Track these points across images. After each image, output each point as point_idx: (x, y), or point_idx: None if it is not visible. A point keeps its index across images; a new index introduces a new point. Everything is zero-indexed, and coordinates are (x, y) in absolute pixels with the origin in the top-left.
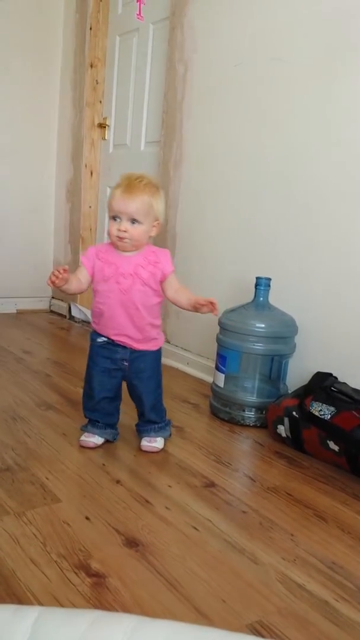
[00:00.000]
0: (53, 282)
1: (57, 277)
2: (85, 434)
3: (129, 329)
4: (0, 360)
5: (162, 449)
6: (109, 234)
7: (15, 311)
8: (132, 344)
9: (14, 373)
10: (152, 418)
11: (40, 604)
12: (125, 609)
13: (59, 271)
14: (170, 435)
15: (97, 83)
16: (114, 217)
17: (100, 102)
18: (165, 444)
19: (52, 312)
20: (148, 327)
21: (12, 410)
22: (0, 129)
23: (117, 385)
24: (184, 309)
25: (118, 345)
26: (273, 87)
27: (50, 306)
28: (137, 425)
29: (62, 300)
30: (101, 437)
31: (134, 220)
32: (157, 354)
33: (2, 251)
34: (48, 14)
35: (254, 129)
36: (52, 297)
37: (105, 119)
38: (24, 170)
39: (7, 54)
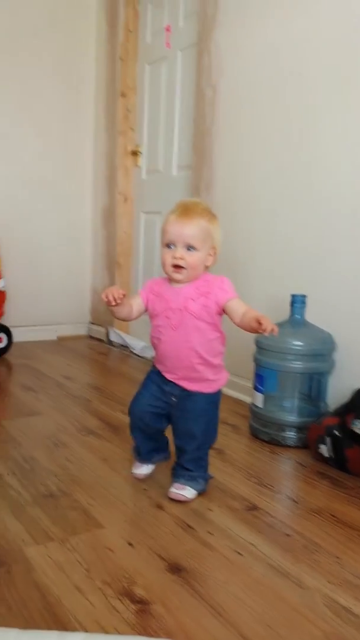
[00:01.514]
0: (108, 302)
1: (114, 299)
2: (136, 463)
3: (180, 368)
4: (42, 386)
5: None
6: (162, 264)
7: (55, 338)
8: (183, 383)
9: (55, 398)
10: (188, 466)
11: (86, 631)
12: (170, 635)
13: (118, 296)
14: (204, 490)
15: (128, 111)
16: (167, 245)
17: (132, 129)
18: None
19: (91, 337)
20: (202, 367)
21: (54, 436)
22: (37, 159)
23: (159, 416)
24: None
25: (170, 380)
26: (295, 102)
27: (89, 331)
28: (173, 466)
29: (100, 326)
30: (150, 463)
31: (189, 247)
32: (212, 397)
33: (42, 279)
34: (80, 45)
35: (281, 146)
36: (91, 323)
37: (137, 146)
38: (61, 199)
39: (42, 85)
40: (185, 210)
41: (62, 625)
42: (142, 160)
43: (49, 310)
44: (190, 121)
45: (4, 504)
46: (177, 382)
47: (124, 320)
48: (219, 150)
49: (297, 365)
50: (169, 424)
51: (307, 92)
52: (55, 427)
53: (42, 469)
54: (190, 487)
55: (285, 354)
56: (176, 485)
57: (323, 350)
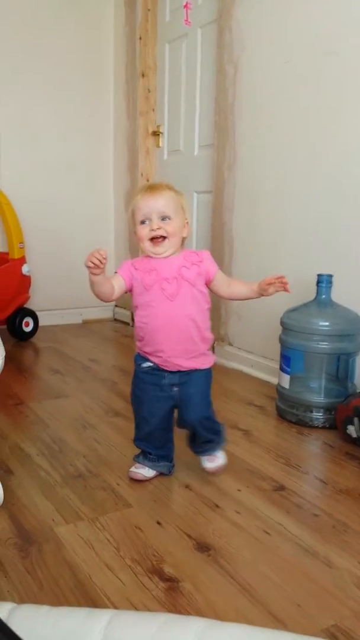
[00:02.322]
0: (92, 264)
1: (100, 260)
2: (136, 464)
3: (178, 344)
4: (68, 369)
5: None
6: (140, 240)
7: (81, 321)
8: (181, 362)
9: (82, 381)
10: (208, 438)
11: (116, 608)
12: (199, 613)
13: (104, 255)
14: (226, 440)
15: (149, 92)
16: (142, 222)
17: (153, 110)
18: (230, 449)
19: (115, 320)
20: (199, 340)
21: (82, 418)
22: (58, 143)
23: (168, 414)
24: (249, 298)
25: (164, 370)
26: (325, 82)
27: (114, 315)
28: (191, 446)
29: (125, 309)
30: (153, 469)
31: (164, 217)
32: (209, 373)
33: (66, 264)
34: (99, 27)
35: (307, 126)
36: (116, 306)
37: (158, 126)
38: (83, 182)
39: (61, 69)
40: (152, 187)
41: (92, 602)
42: (163, 141)
43: (74, 294)
44: (211, 99)
45: (34, 484)
46: (175, 363)
47: (103, 300)
48: (241, 129)
49: (324, 345)
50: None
51: (341, 73)
52: (83, 409)
53: (71, 450)
54: (220, 451)
55: (312, 334)
56: (209, 458)
57: (350, 331)
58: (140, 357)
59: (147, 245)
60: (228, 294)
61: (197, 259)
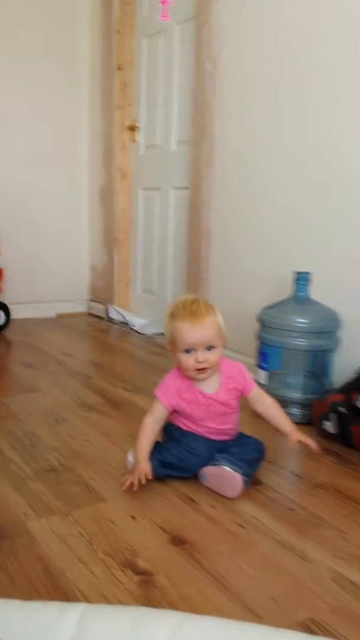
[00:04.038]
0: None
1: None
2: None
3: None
4: (41, 362)
5: None
6: (184, 368)
7: (54, 315)
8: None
9: (55, 375)
10: None
11: (89, 602)
12: (173, 606)
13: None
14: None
15: (125, 86)
16: (186, 350)
17: (130, 104)
18: None
19: (90, 314)
20: (232, 433)
21: (55, 412)
22: (32, 135)
23: None
24: (277, 428)
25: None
26: (304, 80)
27: (88, 309)
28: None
29: (99, 303)
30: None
31: (210, 347)
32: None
33: (40, 257)
34: (74, 19)
35: (286, 123)
36: (90, 300)
37: (134, 121)
38: (57, 175)
39: (35, 60)
40: (194, 315)
41: (65, 596)
42: (140, 136)
43: (48, 287)
44: (189, 95)
45: (5, 479)
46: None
47: None
48: (219, 125)
49: (302, 342)
50: None
51: (317, 69)
52: (56, 403)
53: (43, 444)
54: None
55: (290, 331)
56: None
57: (328, 328)
58: None
59: (192, 374)
60: (262, 412)
61: (234, 384)
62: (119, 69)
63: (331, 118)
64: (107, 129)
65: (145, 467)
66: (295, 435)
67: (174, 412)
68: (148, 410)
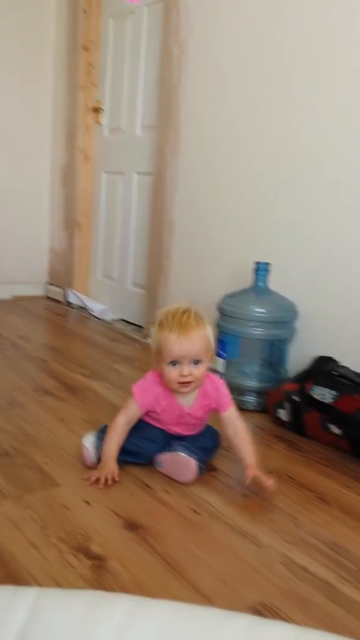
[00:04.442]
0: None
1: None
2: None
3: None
4: None
5: None
6: (167, 380)
7: (10, 297)
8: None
9: (11, 359)
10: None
11: (40, 586)
12: (126, 590)
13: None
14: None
15: (90, 66)
16: (172, 362)
17: (95, 85)
18: None
19: (48, 298)
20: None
21: (10, 396)
22: None
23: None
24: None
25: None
26: (272, 69)
27: (46, 292)
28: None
29: (58, 287)
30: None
31: (196, 362)
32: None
33: None
34: None
35: (252, 112)
36: (48, 283)
37: (99, 102)
38: (17, 155)
39: None
40: (183, 327)
41: (16, 580)
42: (104, 119)
43: (4, 268)
44: (156, 79)
45: None
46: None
47: None
48: (185, 111)
49: (259, 332)
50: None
51: (287, 58)
52: (11, 387)
53: None
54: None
55: (248, 320)
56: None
57: (285, 318)
58: None
59: (174, 386)
60: (231, 437)
61: (208, 401)
62: (85, 49)
63: (298, 111)
64: (70, 109)
65: (112, 468)
66: (254, 471)
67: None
68: (121, 407)
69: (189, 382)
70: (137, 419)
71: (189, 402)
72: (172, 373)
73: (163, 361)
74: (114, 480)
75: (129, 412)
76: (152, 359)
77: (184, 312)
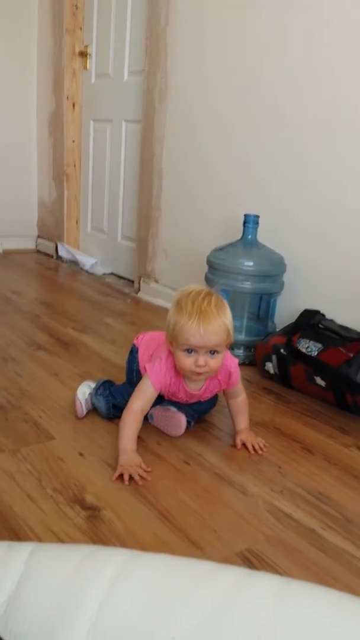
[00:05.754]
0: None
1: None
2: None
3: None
4: None
5: None
6: (180, 367)
7: (0, 251)
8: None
9: (3, 314)
10: None
11: (38, 537)
12: (120, 539)
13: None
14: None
15: (76, 8)
16: (187, 350)
17: (81, 29)
18: None
19: (38, 252)
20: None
21: (3, 351)
22: None
23: None
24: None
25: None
26: (263, 10)
27: (37, 246)
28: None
29: (48, 240)
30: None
31: (213, 352)
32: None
33: None
34: None
35: (243, 55)
36: (39, 237)
37: (86, 47)
38: (3, 102)
39: None
40: (203, 315)
41: (14, 532)
42: (91, 64)
43: None
44: (143, 22)
45: None
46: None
47: None
48: (174, 55)
49: (247, 285)
50: None
51: (276, 6)
52: (4, 342)
53: None
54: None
55: (237, 274)
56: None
57: (273, 272)
58: None
59: (189, 374)
60: (230, 407)
61: (217, 386)
62: None
63: (284, 57)
64: (56, 53)
65: (138, 461)
66: (244, 435)
67: None
68: (136, 395)
69: (203, 372)
70: (152, 402)
71: (197, 386)
72: (187, 361)
73: (178, 346)
74: (146, 472)
75: (144, 397)
76: (166, 337)
77: (204, 297)
